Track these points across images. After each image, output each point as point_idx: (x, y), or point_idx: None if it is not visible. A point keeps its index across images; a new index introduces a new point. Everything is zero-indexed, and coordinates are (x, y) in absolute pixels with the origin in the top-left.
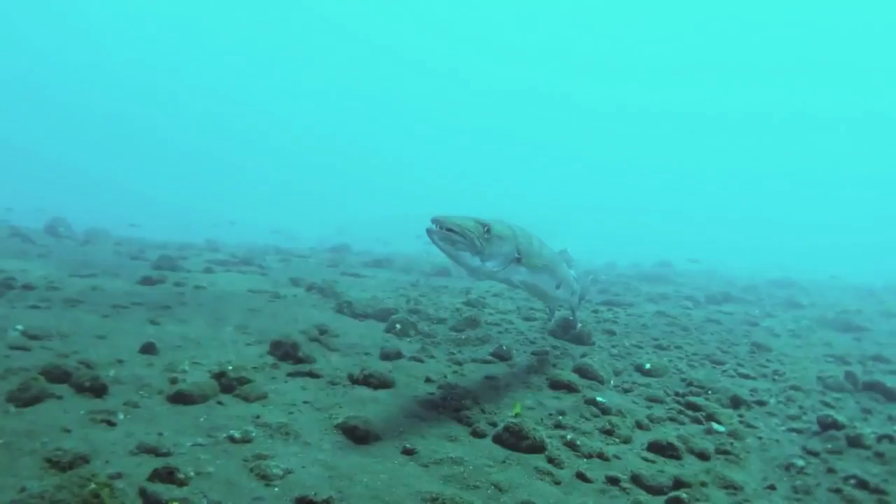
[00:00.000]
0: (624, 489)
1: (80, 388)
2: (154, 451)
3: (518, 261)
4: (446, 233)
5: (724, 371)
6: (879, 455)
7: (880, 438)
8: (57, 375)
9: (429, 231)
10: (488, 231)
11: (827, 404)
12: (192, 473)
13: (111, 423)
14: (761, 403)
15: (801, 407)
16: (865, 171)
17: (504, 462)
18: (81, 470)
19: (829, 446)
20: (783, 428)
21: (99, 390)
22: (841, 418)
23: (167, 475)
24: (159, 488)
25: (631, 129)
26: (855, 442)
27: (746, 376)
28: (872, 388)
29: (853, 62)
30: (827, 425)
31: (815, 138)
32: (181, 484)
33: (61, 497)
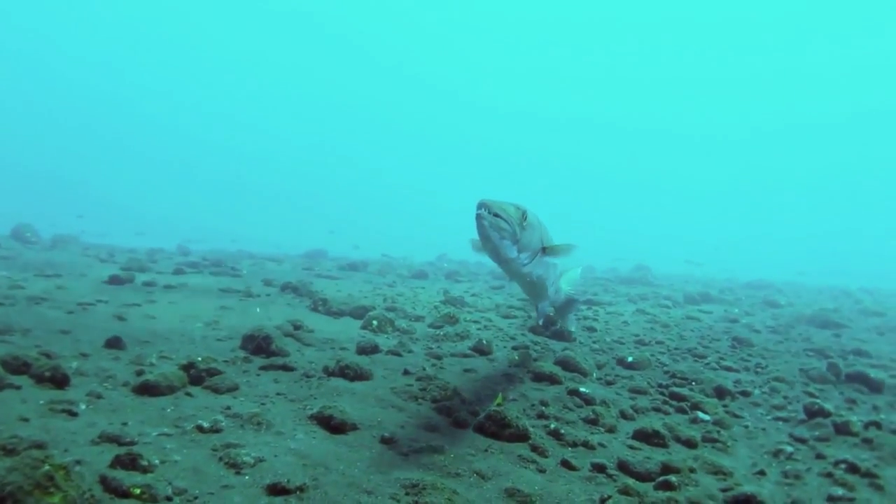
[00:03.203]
0: (611, 476)
1: (40, 379)
2: (117, 441)
3: (542, 252)
4: (495, 218)
5: (707, 364)
6: (867, 441)
7: (867, 425)
8: (16, 366)
9: (478, 217)
10: (524, 217)
11: (811, 394)
12: (156, 461)
13: (72, 414)
14: (745, 394)
15: (785, 397)
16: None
17: (486, 451)
18: (35, 452)
19: (817, 433)
20: (769, 417)
21: (60, 381)
22: (828, 406)
23: (130, 462)
24: (121, 475)
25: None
26: (842, 429)
27: (729, 369)
28: (855, 379)
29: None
30: (813, 413)
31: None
32: (145, 471)
33: (13, 479)
